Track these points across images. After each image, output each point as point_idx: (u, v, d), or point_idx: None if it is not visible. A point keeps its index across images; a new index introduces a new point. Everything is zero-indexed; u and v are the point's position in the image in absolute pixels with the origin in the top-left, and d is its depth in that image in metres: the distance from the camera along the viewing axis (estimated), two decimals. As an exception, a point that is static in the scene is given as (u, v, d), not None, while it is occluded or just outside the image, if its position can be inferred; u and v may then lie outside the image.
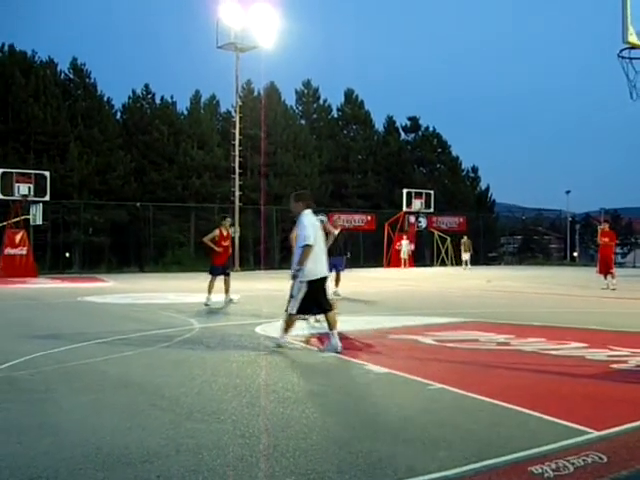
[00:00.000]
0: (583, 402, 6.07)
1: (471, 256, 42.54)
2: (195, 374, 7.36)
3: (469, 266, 40.97)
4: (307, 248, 8.92)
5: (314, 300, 9.10)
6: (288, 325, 9.29)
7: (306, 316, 9.51)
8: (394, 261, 44.57)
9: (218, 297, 16.11)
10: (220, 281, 16.06)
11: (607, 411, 5.72)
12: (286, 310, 9.38)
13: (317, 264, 9.10)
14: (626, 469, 4.24)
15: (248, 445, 4.78)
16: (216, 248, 16.12)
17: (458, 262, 44.65)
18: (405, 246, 43.89)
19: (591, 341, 9.54)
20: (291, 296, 9.26)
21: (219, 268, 16.29)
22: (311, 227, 9.05)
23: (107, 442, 4.85)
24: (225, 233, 16.44)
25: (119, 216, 42.55)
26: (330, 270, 17.40)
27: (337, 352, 8.73)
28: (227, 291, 16.39)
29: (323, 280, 9.26)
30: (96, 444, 4.80)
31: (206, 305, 15.38)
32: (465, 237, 42.92)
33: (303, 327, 11.66)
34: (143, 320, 12.80)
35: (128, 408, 5.87)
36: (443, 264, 47.74)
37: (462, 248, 41.95)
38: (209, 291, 15.73)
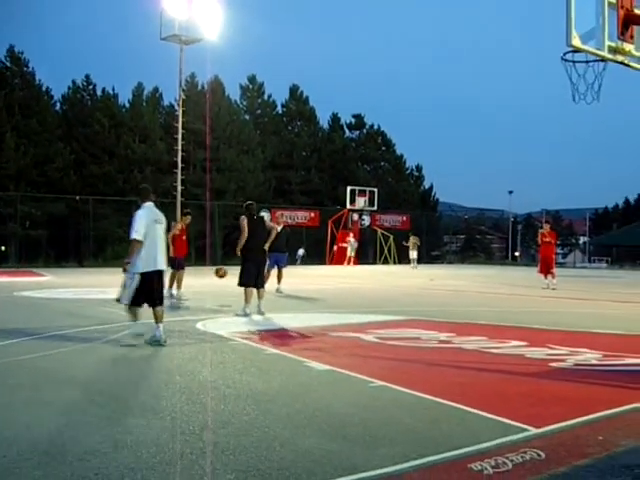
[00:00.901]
0: (522, 400, 6.15)
1: (419, 254, 41.37)
2: (134, 370, 7.26)
3: (416, 264, 39.77)
4: (134, 242, 9.00)
5: (145, 292, 9.16)
6: (132, 315, 9.33)
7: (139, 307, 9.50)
8: (337, 258, 44.69)
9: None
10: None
11: (545, 409, 5.80)
12: (117, 300, 9.41)
13: (150, 257, 9.11)
14: (563, 466, 4.31)
15: (188, 442, 4.71)
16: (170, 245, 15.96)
17: (402, 260, 44.81)
18: (352, 244, 43.72)
19: (531, 340, 9.70)
20: (123, 287, 9.25)
21: (179, 261, 16.53)
22: (144, 221, 9.08)
23: (44, 439, 4.74)
24: (184, 227, 16.96)
25: (58, 209, 41.74)
26: (272, 266, 17.42)
27: (161, 344, 8.90)
28: (179, 286, 16.51)
29: (156, 273, 9.27)
30: (32, 441, 4.68)
31: (172, 298, 15.47)
32: (412, 235, 41.57)
33: (245, 322, 11.63)
34: (81, 315, 12.57)
35: (65, 405, 5.75)
36: (386, 262, 48.09)
37: (410, 246, 40.61)
38: (170, 285, 15.92)
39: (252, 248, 12.77)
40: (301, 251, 46.86)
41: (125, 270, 9.17)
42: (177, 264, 16.35)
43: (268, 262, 17.07)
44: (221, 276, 14.33)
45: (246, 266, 12.83)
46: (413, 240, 40.66)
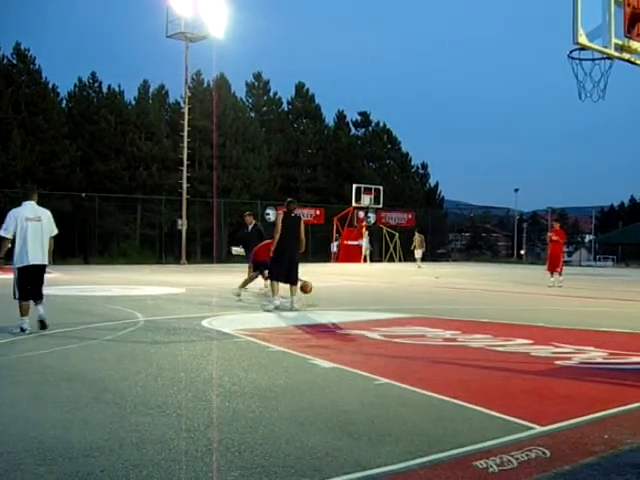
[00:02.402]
0: (527, 398, 6.14)
1: (424, 253, 40.15)
2: (139, 367, 7.26)
3: (420, 263, 38.39)
4: (1, 239, 9.63)
5: (27, 286, 9.74)
6: (21, 310, 9.74)
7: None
8: (343, 256, 44.64)
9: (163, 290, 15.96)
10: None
11: (551, 407, 5.80)
12: (14, 297, 9.84)
13: (22, 253, 9.62)
14: (568, 464, 4.30)
15: (193, 439, 4.72)
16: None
17: (407, 258, 44.54)
18: (366, 242, 43.03)
19: (536, 338, 9.69)
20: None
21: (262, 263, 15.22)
22: (13, 218, 9.68)
23: (49, 436, 4.75)
24: None
25: (63, 206, 41.68)
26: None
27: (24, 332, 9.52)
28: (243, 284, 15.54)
29: (30, 268, 9.72)
30: (37, 438, 4.70)
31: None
32: (417, 233, 40.50)
33: (250, 319, 11.63)
34: (87, 312, 12.60)
35: (71, 402, 5.75)
36: (391, 260, 48.03)
37: (415, 244, 39.49)
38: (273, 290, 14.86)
39: (283, 245, 13.09)
40: (334, 247, 46.80)
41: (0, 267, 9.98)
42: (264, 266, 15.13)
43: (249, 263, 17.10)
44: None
45: (275, 261, 13.15)
46: (418, 238, 39.62)
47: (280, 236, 13.02)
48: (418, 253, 39.40)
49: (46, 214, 10.05)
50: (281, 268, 13.02)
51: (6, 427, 4.99)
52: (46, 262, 9.94)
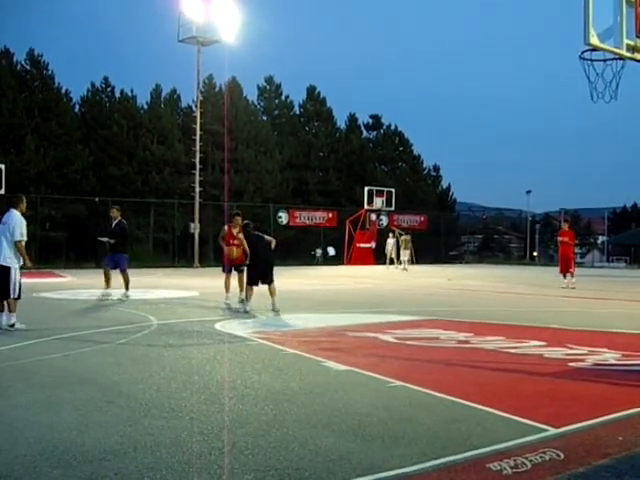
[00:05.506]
0: (541, 400, 6.13)
1: (411, 255, 38.96)
2: (153, 371, 7.28)
3: (405, 266, 37.18)
4: None
5: None
6: None
7: None
8: (355, 258, 44.59)
9: (186, 293, 16.00)
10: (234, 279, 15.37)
11: (564, 409, 5.78)
12: None
13: None
14: (582, 466, 4.29)
15: (207, 442, 4.74)
16: (225, 248, 15.24)
17: (420, 260, 44.34)
18: (391, 245, 42.25)
19: (549, 339, 9.66)
20: None
21: (227, 266, 15.39)
22: None
23: (64, 439, 4.78)
24: (235, 232, 15.00)
25: (77, 211, 41.92)
26: (112, 267, 16.44)
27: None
28: (241, 289, 14.98)
29: None
30: (52, 441, 4.73)
31: (226, 304, 14.63)
32: (403, 234, 39.61)
33: (263, 322, 11.64)
34: (101, 316, 12.65)
35: (85, 405, 5.78)
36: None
37: (401, 245, 38.40)
38: (225, 289, 15.19)
39: (255, 258, 13.63)
40: (331, 250, 46.56)
41: None
42: (229, 268, 15.40)
43: (107, 263, 16.60)
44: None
45: (251, 268, 13.72)
46: (406, 239, 38.41)
47: (252, 250, 13.62)
48: (405, 254, 38.14)
49: (14, 220, 10.66)
50: (257, 273, 13.52)
51: (21, 430, 5.02)
52: (5, 263, 10.50)
